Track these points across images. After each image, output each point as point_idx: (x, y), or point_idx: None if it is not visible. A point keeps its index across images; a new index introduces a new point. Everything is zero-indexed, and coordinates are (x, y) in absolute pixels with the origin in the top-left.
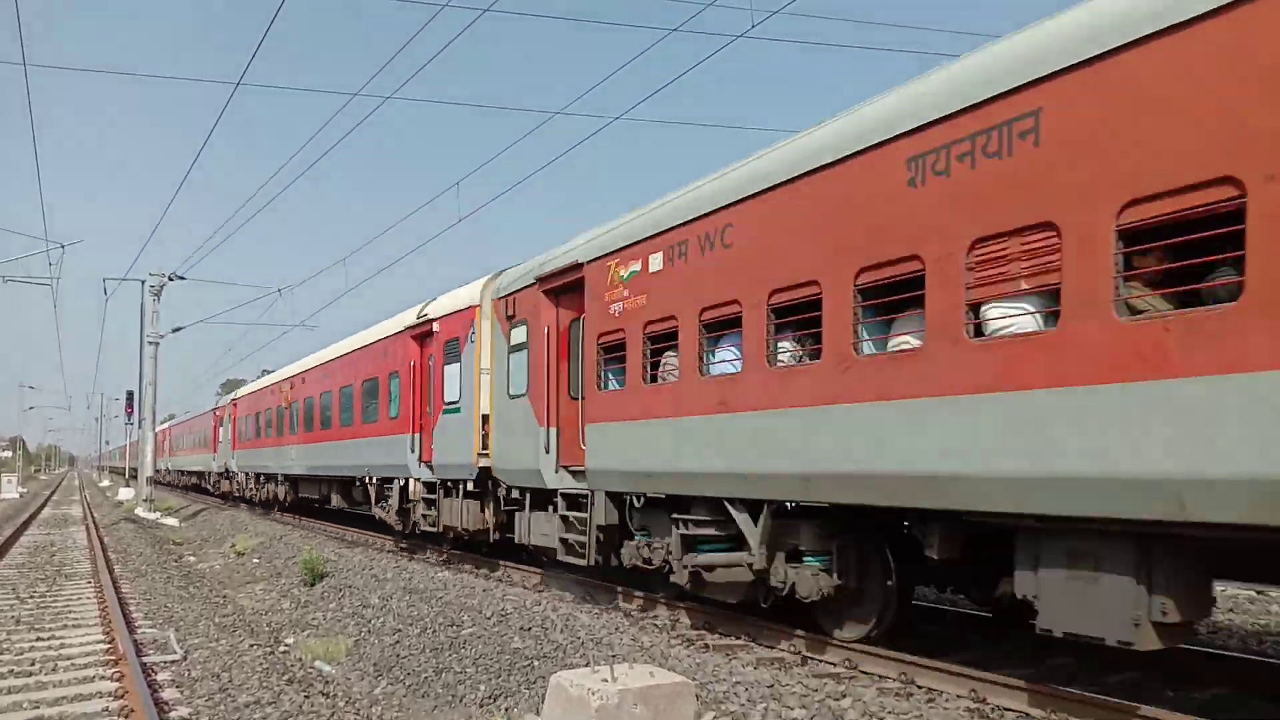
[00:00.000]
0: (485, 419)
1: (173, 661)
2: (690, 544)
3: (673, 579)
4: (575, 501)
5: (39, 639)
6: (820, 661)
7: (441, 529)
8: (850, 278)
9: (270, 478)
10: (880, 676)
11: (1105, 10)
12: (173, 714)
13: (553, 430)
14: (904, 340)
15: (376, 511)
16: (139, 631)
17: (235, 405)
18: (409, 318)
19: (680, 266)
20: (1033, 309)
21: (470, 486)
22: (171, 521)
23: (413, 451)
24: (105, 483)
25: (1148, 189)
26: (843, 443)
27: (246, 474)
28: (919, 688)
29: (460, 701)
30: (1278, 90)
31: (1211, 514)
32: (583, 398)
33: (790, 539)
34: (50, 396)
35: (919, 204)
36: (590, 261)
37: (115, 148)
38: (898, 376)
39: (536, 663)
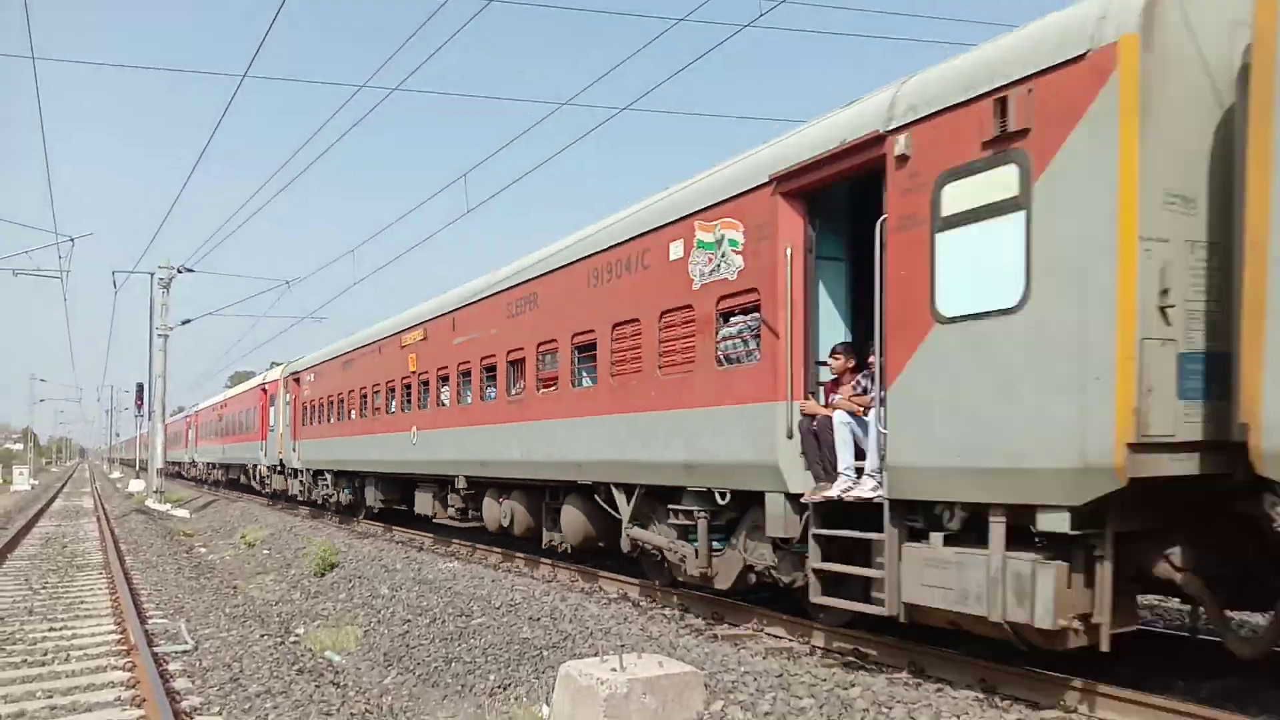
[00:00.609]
0: (281, 436)
1: (184, 652)
2: (324, 489)
3: (319, 503)
4: (304, 473)
5: (51, 629)
6: (829, 651)
7: (274, 491)
8: (352, 394)
9: (214, 465)
10: (889, 666)
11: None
12: (184, 704)
13: (297, 442)
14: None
15: (254, 484)
16: (150, 622)
17: (196, 415)
18: (259, 379)
19: (319, 379)
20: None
21: (280, 469)
22: (182, 513)
23: (262, 450)
24: (116, 474)
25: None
26: (340, 450)
27: (204, 463)
28: (928, 677)
29: (470, 691)
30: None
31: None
32: (301, 429)
33: (344, 484)
34: (61, 389)
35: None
36: (304, 370)
37: (124, 140)
38: (340, 429)
39: (546, 652)
